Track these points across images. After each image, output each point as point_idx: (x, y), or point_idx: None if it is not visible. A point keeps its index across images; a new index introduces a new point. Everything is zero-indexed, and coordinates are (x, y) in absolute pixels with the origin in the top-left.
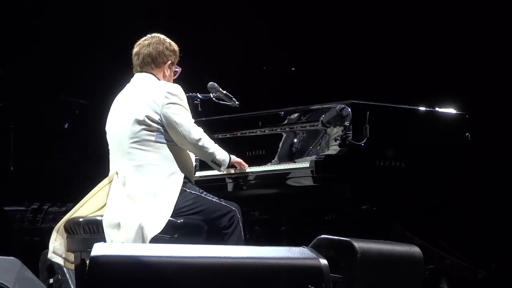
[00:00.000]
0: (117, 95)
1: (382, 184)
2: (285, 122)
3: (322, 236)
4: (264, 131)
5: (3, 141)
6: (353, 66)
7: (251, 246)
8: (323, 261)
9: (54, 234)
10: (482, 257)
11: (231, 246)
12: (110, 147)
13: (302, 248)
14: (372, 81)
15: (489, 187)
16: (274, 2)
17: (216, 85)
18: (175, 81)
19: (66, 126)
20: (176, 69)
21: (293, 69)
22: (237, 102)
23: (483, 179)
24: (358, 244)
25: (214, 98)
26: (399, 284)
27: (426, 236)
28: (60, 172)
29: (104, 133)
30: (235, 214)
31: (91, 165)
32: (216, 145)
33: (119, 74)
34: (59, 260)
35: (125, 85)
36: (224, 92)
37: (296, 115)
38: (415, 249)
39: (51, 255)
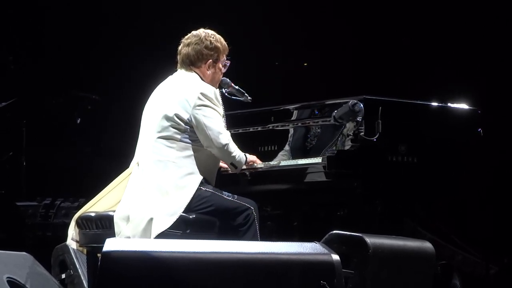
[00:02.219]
0: (129, 90)
1: (394, 179)
2: (298, 117)
3: (334, 231)
4: (277, 126)
5: (16, 136)
6: (365, 61)
7: (263, 242)
8: (335, 257)
9: (72, 223)
10: (495, 252)
11: (243, 241)
12: (139, 136)
13: (314, 243)
14: (385, 76)
15: (502, 182)
16: None
17: (228, 80)
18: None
19: (78, 121)
20: (224, 63)
21: (305, 64)
22: (249, 98)
23: (496, 174)
24: (370, 240)
25: (226, 94)
26: (411, 279)
27: (438, 231)
28: (73, 168)
29: (116, 128)
30: (251, 213)
31: (104, 160)
32: (238, 148)
33: (131, 70)
34: (76, 246)
35: (136, 81)
36: (237, 87)
37: (308, 110)
38: (427, 245)
39: (69, 242)
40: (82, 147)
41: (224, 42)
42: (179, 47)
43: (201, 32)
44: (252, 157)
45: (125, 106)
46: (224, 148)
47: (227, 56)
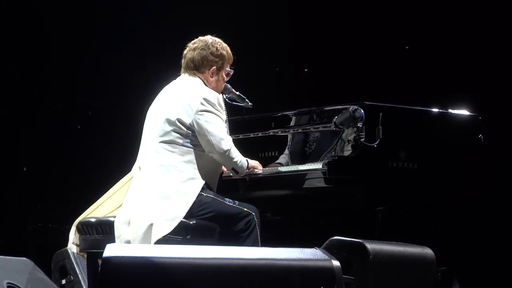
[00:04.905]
0: (130, 97)
1: (395, 185)
2: (298, 123)
3: (335, 237)
4: (277, 132)
5: (16, 142)
6: (366, 67)
7: (264, 247)
8: (336, 263)
9: (73, 228)
10: (496, 258)
11: (243, 247)
12: (142, 140)
13: (315, 249)
14: (386, 82)
15: (503, 188)
16: (286, 3)
17: (229, 86)
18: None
19: (78, 127)
20: (227, 72)
21: (306, 70)
22: (250, 103)
23: (497, 180)
24: (371, 246)
25: (227, 99)
26: (412, 285)
27: (439, 237)
28: (73, 173)
29: (117, 133)
30: (252, 218)
31: (104, 166)
32: (239, 154)
33: (131, 76)
34: (77, 250)
35: (137, 88)
36: (237, 93)
37: (309, 116)
38: (428, 251)
39: (70, 246)
40: (82, 153)
41: (229, 51)
42: (185, 51)
43: (208, 38)
44: (254, 163)
45: (125, 111)
46: (225, 154)
47: (231, 66)
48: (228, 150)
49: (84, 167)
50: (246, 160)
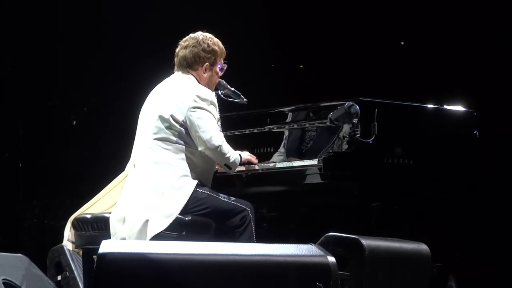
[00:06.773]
0: (125, 93)
1: (390, 181)
2: (294, 119)
3: (330, 233)
4: (273, 128)
5: (12, 138)
6: (361, 63)
7: (259, 244)
8: (331, 259)
9: (68, 224)
10: (491, 255)
11: (239, 243)
12: (136, 138)
13: (310, 245)
14: (381, 78)
15: (499, 185)
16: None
17: (224, 82)
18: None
19: (74, 123)
20: (221, 67)
21: (301, 66)
22: (245, 99)
23: (493, 176)
24: (366, 242)
25: (222, 95)
26: (407, 281)
27: (435, 233)
28: (69, 169)
29: (113, 130)
30: (247, 214)
31: (100, 162)
32: (231, 149)
33: (127, 72)
34: (72, 247)
35: (135, 84)
36: (232, 89)
37: (304, 112)
38: (423, 247)
39: (65, 243)
40: (79, 149)
41: (221, 46)
42: (177, 49)
43: (199, 35)
44: (246, 155)
45: (121, 108)
46: (217, 150)
47: (224, 60)
48: (220, 146)
49: (80, 163)
50: (239, 154)
